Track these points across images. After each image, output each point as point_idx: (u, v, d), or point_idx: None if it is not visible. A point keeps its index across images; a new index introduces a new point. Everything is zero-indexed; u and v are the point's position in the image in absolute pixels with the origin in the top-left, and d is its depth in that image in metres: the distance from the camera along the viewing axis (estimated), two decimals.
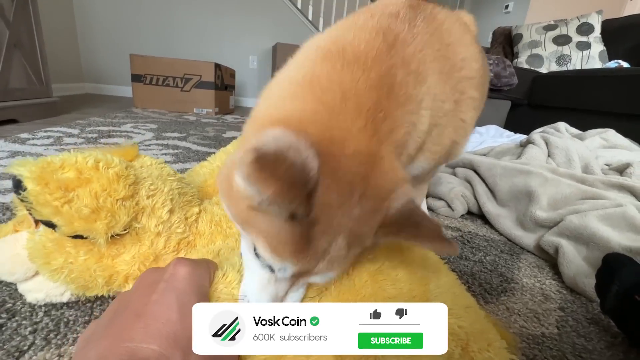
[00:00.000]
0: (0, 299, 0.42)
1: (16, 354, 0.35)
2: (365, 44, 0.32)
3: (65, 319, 0.40)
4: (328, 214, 0.25)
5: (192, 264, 0.31)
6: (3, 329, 0.38)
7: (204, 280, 0.31)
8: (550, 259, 0.71)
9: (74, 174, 0.35)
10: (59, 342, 0.37)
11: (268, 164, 0.20)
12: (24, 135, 1.24)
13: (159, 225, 0.41)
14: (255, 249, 0.29)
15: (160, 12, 3.09)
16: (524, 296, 0.57)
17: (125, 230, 0.39)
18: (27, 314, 0.40)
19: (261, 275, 0.30)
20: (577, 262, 0.63)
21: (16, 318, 0.39)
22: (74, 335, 0.38)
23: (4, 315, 0.39)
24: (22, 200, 0.33)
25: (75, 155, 0.37)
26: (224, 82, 2.66)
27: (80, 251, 0.38)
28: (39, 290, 0.40)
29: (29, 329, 0.38)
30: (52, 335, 0.38)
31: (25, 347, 0.36)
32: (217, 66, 2.46)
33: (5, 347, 0.35)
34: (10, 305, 0.41)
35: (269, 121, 0.28)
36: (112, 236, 0.37)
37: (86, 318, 0.41)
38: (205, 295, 0.31)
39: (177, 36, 3.20)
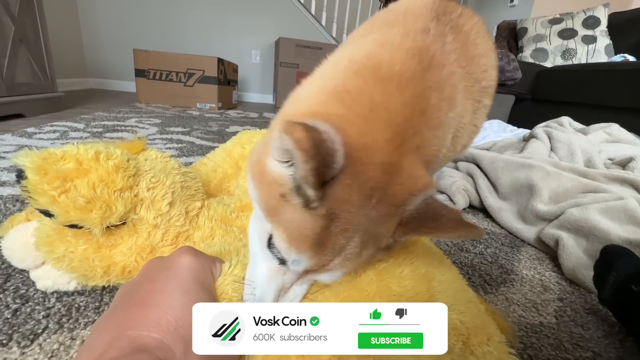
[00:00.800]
0: (14, 285, 0.43)
1: (31, 337, 0.36)
2: (401, 65, 0.32)
3: (76, 305, 0.42)
4: (348, 212, 0.26)
5: (196, 254, 0.31)
6: (18, 313, 0.39)
7: (206, 270, 0.31)
8: (550, 252, 0.71)
9: (74, 165, 0.36)
10: (72, 326, 0.38)
11: (304, 125, 0.21)
12: (30, 130, 1.25)
13: (157, 218, 0.42)
14: (270, 240, 0.29)
15: (163, 7, 3.09)
16: (524, 287, 0.58)
17: (122, 221, 0.39)
18: (40, 299, 0.42)
19: (270, 266, 0.30)
20: (577, 254, 0.64)
21: (30, 303, 0.41)
22: (86, 320, 0.40)
23: (18, 301, 0.41)
24: (22, 190, 0.34)
25: (77, 147, 0.38)
26: (226, 77, 2.66)
27: (80, 240, 0.38)
28: (47, 278, 0.41)
29: (42, 313, 0.40)
30: (64, 319, 0.39)
31: (39, 331, 0.37)
32: (220, 61, 2.47)
33: (20, 330, 0.37)
34: (23, 291, 0.43)
35: (305, 115, 0.28)
36: (109, 227, 0.38)
37: (96, 304, 0.42)
38: (208, 285, 0.30)
39: (180, 31, 3.20)
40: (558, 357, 0.43)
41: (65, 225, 0.36)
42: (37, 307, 0.40)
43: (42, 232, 0.38)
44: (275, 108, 3.10)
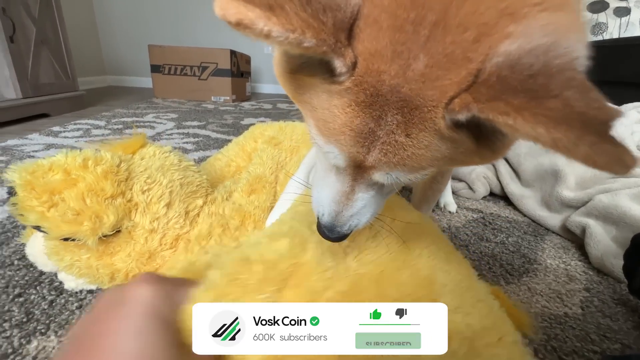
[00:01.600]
0: (49, 278, 0.46)
1: (66, 326, 0.39)
2: None
3: None
4: (376, 73, 0.17)
5: (157, 281, 0.27)
6: (53, 304, 0.42)
7: (170, 300, 0.27)
8: (576, 240, 0.68)
9: (62, 176, 0.35)
10: None
11: None
12: (56, 129, 1.31)
13: (153, 222, 0.41)
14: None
15: (175, 1, 3.11)
16: (547, 277, 0.56)
17: (116, 230, 0.39)
18: (73, 291, 0.44)
19: (325, 164, 0.28)
20: (605, 242, 0.61)
21: (63, 295, 0.44)
22: None
23: (53, 293, 0.44)
24: (11, 207, 0.34)
25: (66, 155, 0.37)
26: (240, 69, 2.66)
27: (82, 250, 0.39)
28: (70, 280, 0.43)
29: (75, 304, 0.42)
30: None
31: (74, 320, 0.40)
32: (233, 53, 2.47)
33: (56, 320, 0.40)
34: (57, 283, 0.45)
35: None
36: (104, 237, 0.37)
37: None
38: (172, 317, 0.26)
39: (192, 24, 3.21)
40: (584, 349, 0.42)
41: (60, 239, 0.36)
42: (70, 299, 0.43)
43: (49, 242, 0.39)
44: (288, 98, 3.08)
